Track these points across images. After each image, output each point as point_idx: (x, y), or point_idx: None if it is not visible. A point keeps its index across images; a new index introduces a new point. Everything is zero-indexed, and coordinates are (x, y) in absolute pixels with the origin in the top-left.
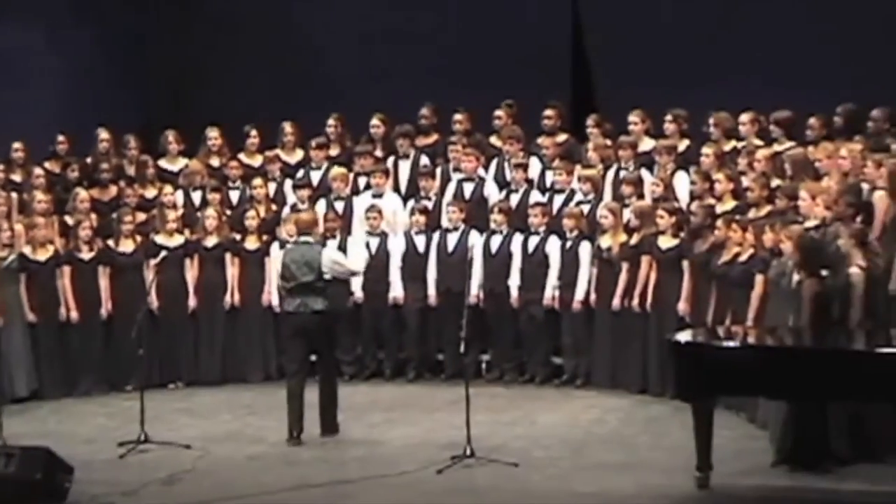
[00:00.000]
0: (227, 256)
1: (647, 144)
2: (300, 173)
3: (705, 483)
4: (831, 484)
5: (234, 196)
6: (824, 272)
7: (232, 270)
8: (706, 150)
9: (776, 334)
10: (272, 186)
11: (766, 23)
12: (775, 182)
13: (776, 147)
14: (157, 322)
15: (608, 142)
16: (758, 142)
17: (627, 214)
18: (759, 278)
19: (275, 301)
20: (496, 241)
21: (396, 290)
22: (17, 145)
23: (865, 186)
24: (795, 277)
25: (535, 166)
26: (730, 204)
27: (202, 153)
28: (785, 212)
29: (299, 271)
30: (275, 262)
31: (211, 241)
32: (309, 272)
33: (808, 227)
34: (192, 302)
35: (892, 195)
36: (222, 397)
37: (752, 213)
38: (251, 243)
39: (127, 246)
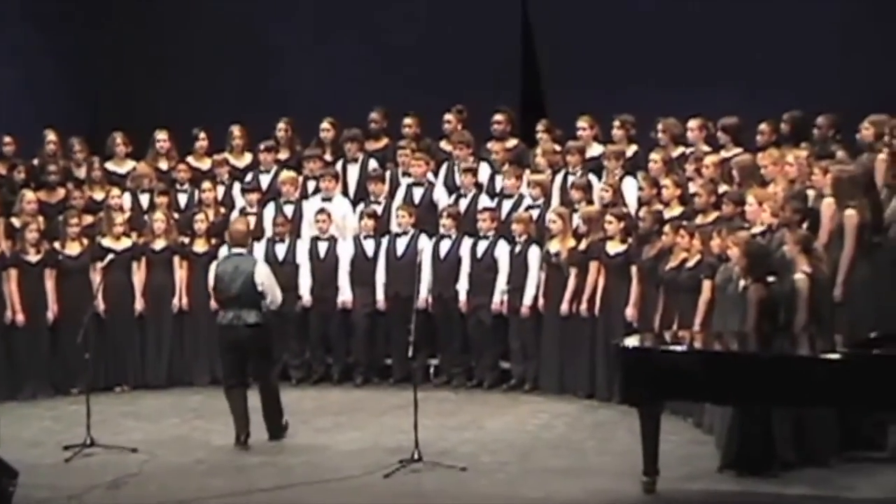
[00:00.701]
0: (175, 260)
1: (595, 150)
2: (249, 177)
3: (652, 488)
4: (777, 488)
5: (183, 199)
6: (770, 278)
7: (179, 274)
8: (654, 155)
9: (722, 339)
10: (221, 190)
11: (714, 30)
12: (722, 188)
13: (723, 153)
14: (103, 325)
15: (557, 147)
16: (705, 148)
17: (576, 220)
18: (706, 284)
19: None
20: (445, 246)
21: (345, 295)
22: None
23: (812, 193)
24: (742, 283)
25: (484, 171)
26: (677, 210)
27: (150, 156)
28: (732, 218)
29: (233, 283)
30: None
31: (158, 245)
32: (243, 284)
33: (754, 233)
34: (138, 305)
35: (837, 202)
36: (169, 401)
37: (699, 219)
38: (199, 247)
39: (73, 249)
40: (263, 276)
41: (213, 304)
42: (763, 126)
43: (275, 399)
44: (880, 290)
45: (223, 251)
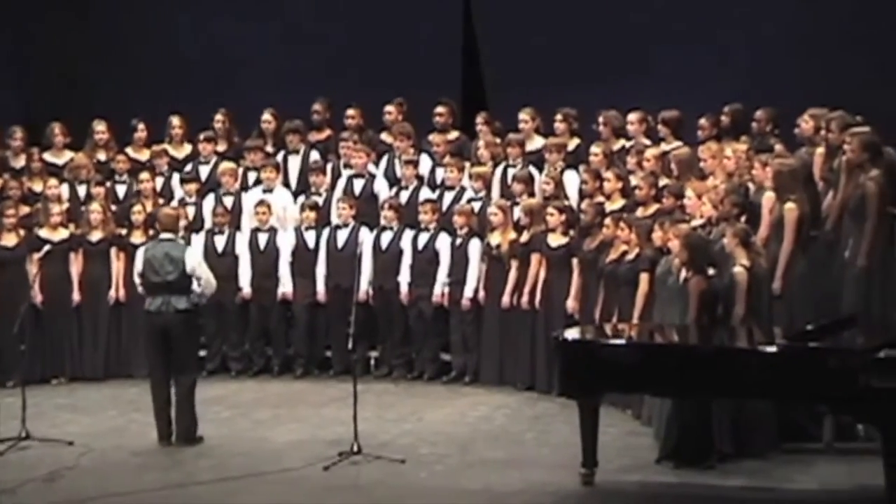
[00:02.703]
0: (112, 251)
1: (536, 143)
2: (188, 168)
3: (590, 479)
4: (714, 479)
5: (121, 190)
6: (710, 271)
7: (117, 265)
8: (595, 148)
9: (662, 332)
10: (160, 181)
11: (655, 23)
12: (663, 181)
13: (664, 146)
14: (40, 317)
15: (498, 140)
16: (646, 141)
17: (517, 212)
18: (643, 277)
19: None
20: (386, 238)
21: (285, 286)
22: None
23: (751, 187)
24: (682, 275)
25: (425, 163)
26: (618, 202)
27: (88, 147)
28: (672, 211)
29: (162, 269)
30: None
31: (96, 236)
32: (173, 270)
33: (694, 225)
34: (76, 296)
35: (778, 196)
36: (106, 393)
37: (640, 212)
38: (137, 238)
39: (10, 240)
40: (195, 262)
41: (111, 294)
42: (702, 121)
43: (190, 397)
44: (817, 283)
45: None
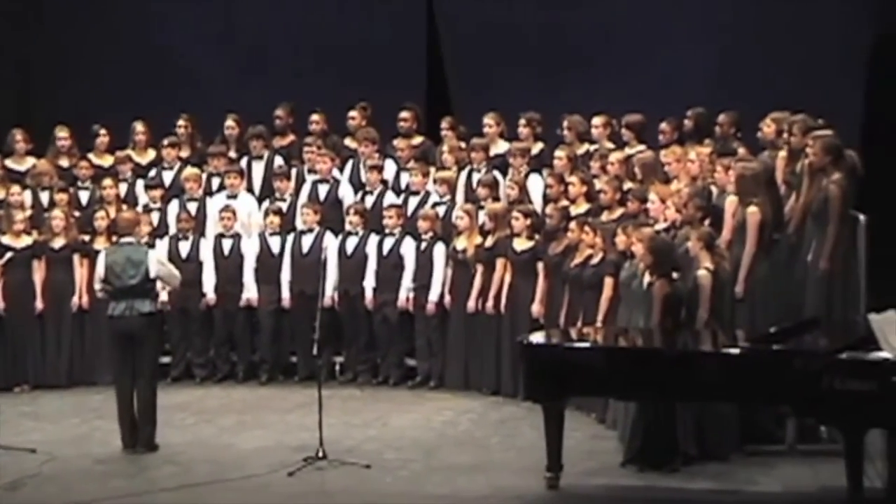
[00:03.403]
0: (75, 258)
1: (501, 147)
2: (152, 173)
3: (555, 483)
4: (679, 483)
5: (84, 196)
6: (675, 274)
7: (80, 272)
8: (559, 153)
9: (626, 336)
10: (123, 187)
11: (618, 28)
12: (627, 185)
13: (628, 150)
14: (2, 324)
15: (463, 144)
16: (610, 145)
17: (482, 217)
18: (607, 281)
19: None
20: (351, 243)
21: (250, 292)
22: None
23: (714, 190)
24: (646, 279)
25: (389, 168)
26: (583, 206)
27: (51, 153)
28: (636, 215)
29: (124, 273)
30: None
31: (58, 243)
32: (135, 274)
33: (657, 229)
34: (38, 304)
35: (740, 199)
36: (70, 400)
37: (604, 216)
38: (100, 244)
39: None
40: (157, 264)
41: (98, 293)
42: (663, 125)
43: (152, 402)
44: (779, 287)
45: None
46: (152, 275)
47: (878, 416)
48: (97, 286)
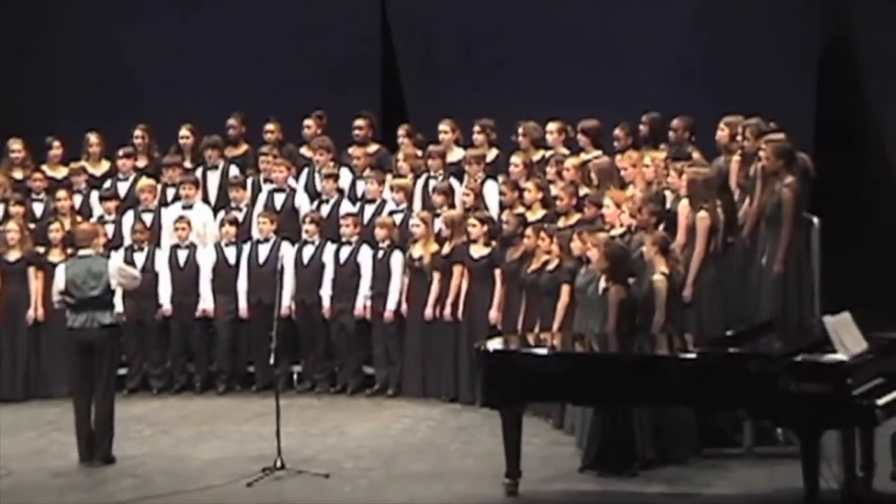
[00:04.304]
0: (30, 270)
1: (456, 154)
2: (107, 184)
3: (514, 490)
4: (637, 487)
5: (38, 209)
6: (630, 280)
7: (35, 284)
8: (515, 159)
9: (583, 341)
10: (78, 199)
11: (572, 34)
12: (583, 191)
13: (583, 156)
14: None
15: (419, 152)
16: (565, 151)
17: (438, 224)
18: (564, 288)
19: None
20: (308, 252)
21: (206, 303)
22: None
23: (669, 195)
24: (602, 285)
25: (345, 177)
26: (539, 213)
27: (5, 165)
28: (592, 220)
29: (85, 285)
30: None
31: (13, 255)
32: (96, 285)
33: (613, 234)
34: None
35: (692, 204)
36: (26, 413)
37: (561, 222)
38: (55, 256)
39: None
40: (117, 274)
41: (30, 313)
42: (617, 130)
43: (109, 414)
44: (734, 290)
45: None
46: (113, 287)
47: (833, 418)
48: (55, 298)
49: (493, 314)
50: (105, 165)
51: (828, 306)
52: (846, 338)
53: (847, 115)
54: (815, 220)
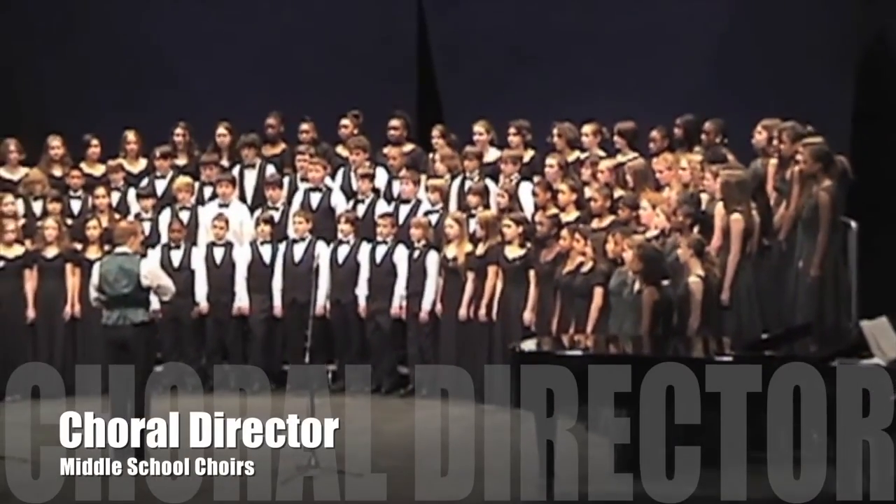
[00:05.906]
0: (67, 267)
1: (492, 155)
2: (144, 182)
3: (549, 490)
4: (672, 489)
5: (76, 206)
6: (664, 282)
7: (72, 281)
8: (550, 160)
9: (617, 343)
10: (115, 196)
11: (611, 35)
12: (618, 193)
13: (619, 158)
14: None
15: (454, 152)
16: (600, 152)
17: (473, 224)
18: (597, 290)
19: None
20: (343, 252)
21: (242, 301)
22: None
23: (705, 197)
24: (636, 287)
25: (381, 176)
26: (573, 214)
27: (43, 162)
28: (627, 222)
29: (117, 283)
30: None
31: (51, 252)
32: (128, 283)
33: (648, 237)
34: (30, 313)
35: (725, 206)
36: (62, 410)
37: (595, 223)
38: (92, 253)
39: None
40: (150, 274)
41: (93, 303)
42: (654, 133)
43: (144, 412)
44: (770, 294)
45: None
46: (145, 285)
47: None
48: (92, 295)
49: (527, 315)
50: (142, 163)
51: (865, 310)
52: (883, 342)
53: (886, 116)
54: (853, 223)
